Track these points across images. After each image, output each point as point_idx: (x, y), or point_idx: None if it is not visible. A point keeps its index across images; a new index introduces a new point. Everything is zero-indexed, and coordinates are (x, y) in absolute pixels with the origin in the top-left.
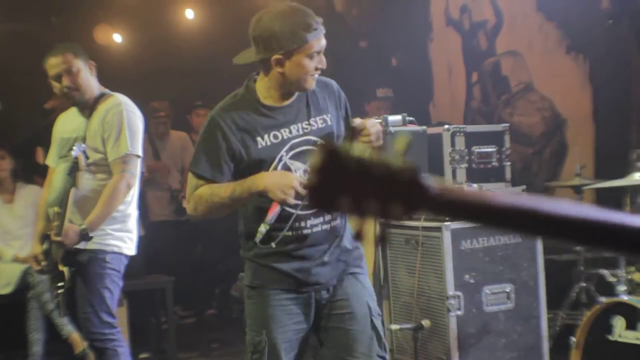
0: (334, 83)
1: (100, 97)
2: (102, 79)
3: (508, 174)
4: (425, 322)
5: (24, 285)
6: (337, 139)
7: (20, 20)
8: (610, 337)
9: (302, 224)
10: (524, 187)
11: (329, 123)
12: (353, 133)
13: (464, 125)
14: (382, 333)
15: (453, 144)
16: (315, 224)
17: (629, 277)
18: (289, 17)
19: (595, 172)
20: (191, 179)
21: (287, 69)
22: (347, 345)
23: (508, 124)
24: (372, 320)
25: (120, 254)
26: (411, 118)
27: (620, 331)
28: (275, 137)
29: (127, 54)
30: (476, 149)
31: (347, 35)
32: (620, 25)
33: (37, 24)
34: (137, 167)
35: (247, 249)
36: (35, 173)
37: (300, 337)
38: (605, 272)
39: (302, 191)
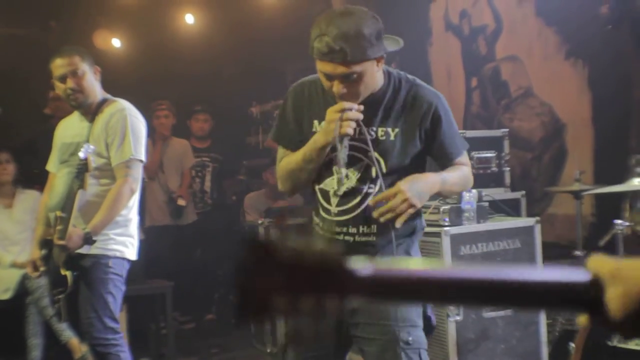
0: (429, 100)
1: (103, 102)
2: (101, 83)
3: (507, 179)
4: None
5: (23, 291)
6: (403, 157)
7: (20, 25)
8: (610, 343)
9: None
10: (523, 192)
11: (392, 139)
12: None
13: (464, 130)
14: None
15: None
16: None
17: None
18: (323, 25)
19: (595, 177)
20: (279, 152)
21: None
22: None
23: (507, 129)
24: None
25: (123, 258)
26: None
27: (619, 337)
28: None
29: (126, 59)
30: (475, 154)
31: None
32: (619, 31)
33: (37, 29)
34: (140, 172)
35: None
36: (35, 183)
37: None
38: None
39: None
